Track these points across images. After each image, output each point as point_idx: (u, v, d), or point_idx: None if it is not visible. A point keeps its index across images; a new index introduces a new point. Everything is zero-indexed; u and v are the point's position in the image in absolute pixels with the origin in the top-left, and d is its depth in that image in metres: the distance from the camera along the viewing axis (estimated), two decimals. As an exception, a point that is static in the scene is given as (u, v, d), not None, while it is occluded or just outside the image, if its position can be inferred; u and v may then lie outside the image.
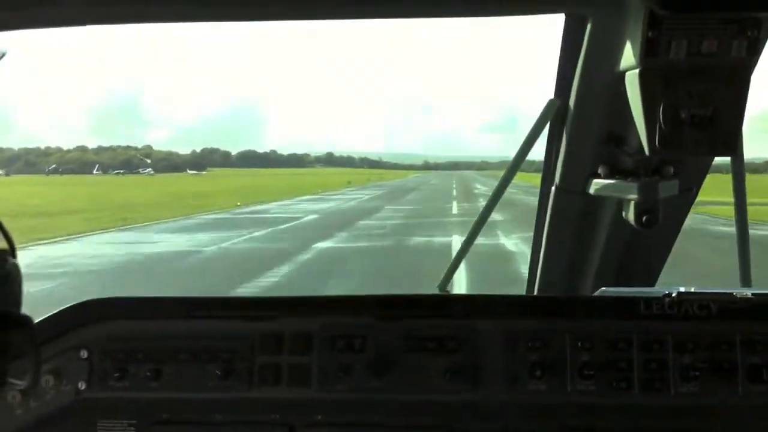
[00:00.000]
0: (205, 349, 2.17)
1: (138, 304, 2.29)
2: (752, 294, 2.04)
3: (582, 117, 2.24)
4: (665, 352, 2.05)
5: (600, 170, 2.34)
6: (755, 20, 1.61)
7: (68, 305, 2.25)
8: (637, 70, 1.72)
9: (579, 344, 2.06)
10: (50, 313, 2.24)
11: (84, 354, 2.20)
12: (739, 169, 2.36)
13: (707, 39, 1.63)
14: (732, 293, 2.04)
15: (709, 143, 1.70)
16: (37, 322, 2.19)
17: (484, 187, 65.56)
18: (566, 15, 2.12)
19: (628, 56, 1.78)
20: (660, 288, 2.13)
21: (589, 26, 1.97)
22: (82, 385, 2.19)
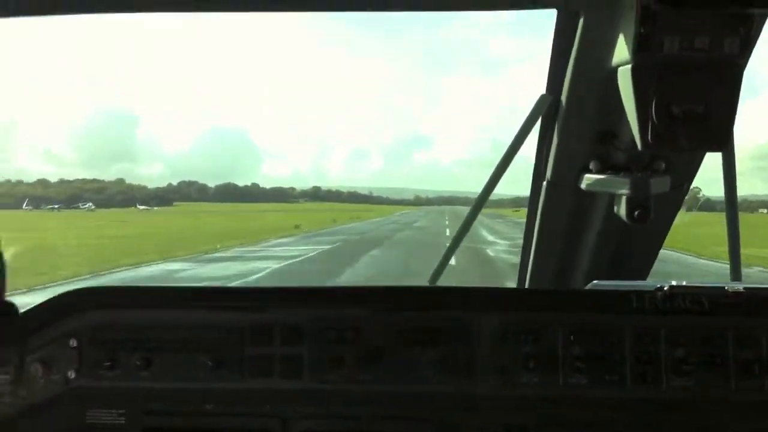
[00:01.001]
0: (196, 340, 2.17)
1: (128, 293, 2.28)
2: (744, 288, 2.05)
3: (574, 112, 2.24)
4: (657, 346, 2.05)
5: (592, 166, 2.35)
6: (747, 17, 1.62)
7: (58, 294, 2.24)
8: (629, 66, 1.72)
9: (571, 337, 2.07)
10: (39, 302, 2.23)
11: (73, 343, 2.20)
12: (730, 165, 2.37)
13: (700, 35, 1.63)
14: (724, 287, 2.04)
15: (701, 139, 1.70)
16: (26, 311, 2.19)
17: (500, 243, 35.15)
18: (558, 10, 2.12)
19: (621, 52, 1.79)
20: (652, 281, 2.13)
21: (581, 21, 1.97)
22: (71, 374, 2.19)
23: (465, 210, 2.80)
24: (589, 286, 2.28)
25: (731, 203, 2.45)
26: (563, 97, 2.23)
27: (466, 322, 2.11)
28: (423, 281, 2.65)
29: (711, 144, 1.74)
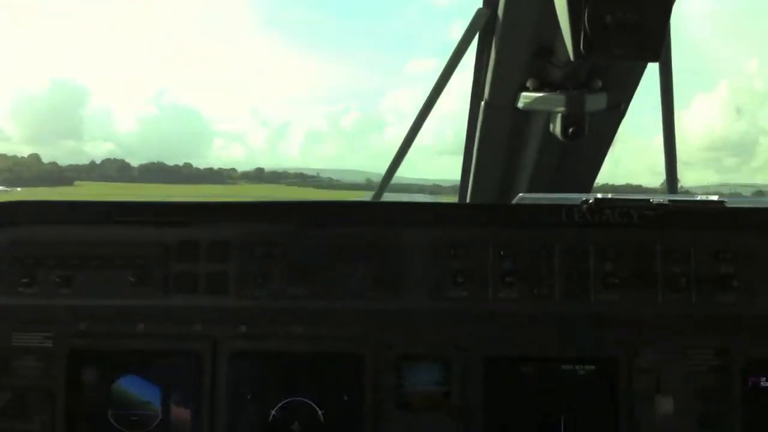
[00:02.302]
0: (118, 256, 2.10)
1: (47, 207, 2.18)
2: (669, 200, 2.05)
3: (511, 27, 2.19)
4: (586, 260, 2.05)
5: (529, 84, 2.31)
6: None
7: None
8: None
9: (501, 252, 2.05)
10: None
11: None
12: (667, 77, 2.37)
13: None
14: (649, 200, 2.04)
15: (634, 47, 1.67)
16: None
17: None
18: None
19: None
20: (576, 195, 2.12)
21: None
22: None
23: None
24: (516, 200, 2.27)
25: (667, 117, 2.45)
26: (500, 11, 2.17)
27: (396, 238, 2.08)
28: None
29: (644, 53, 1.71)
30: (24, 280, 2.09)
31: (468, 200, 2.78)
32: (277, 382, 2.10)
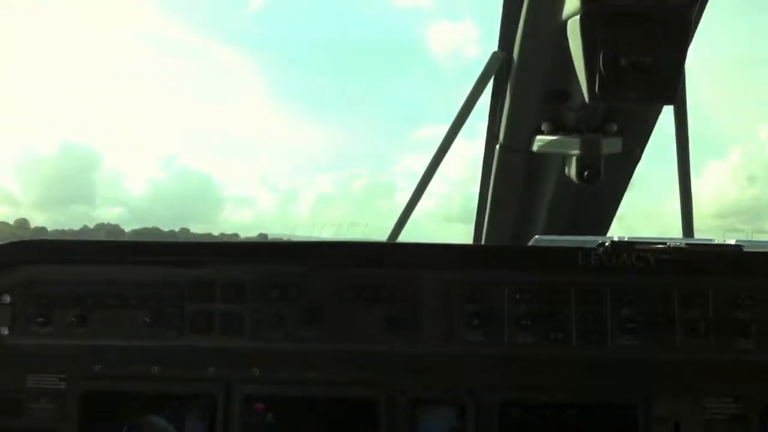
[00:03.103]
0: (133, 296, 2.10)
1: (63, 246, 2.20)
2: (686, 244, 2.03)
3: (526, 70, 2.20)
4: (603, 304, 2.03)
5: (544, 127, 2.32)
6: None
7: None
8: (578, 16, 1.69)
9: (517, 295, 2.04)
10: None
11: (6, 299, 2.12)
12: (682, 121, 2.37)
13: None
14: (666, 243, 2.02)
15: (648, 90, 1.68)
16: None
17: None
18: None
19: (571, 2, 1.75)
20: (593, 238, 2.11)
21: None
22: (4, 331, 2.11)
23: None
24: (531, 242, 2.25)
25: (683, 160, 2.44)
26: (515, 55, 2.19)
27: (410, 280, 2.07)
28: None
29: (658, 96, 1.72)
30: (39, 320, 2.09)
31: (483, 242, 2.77)
32: (290, 426, 2.07)
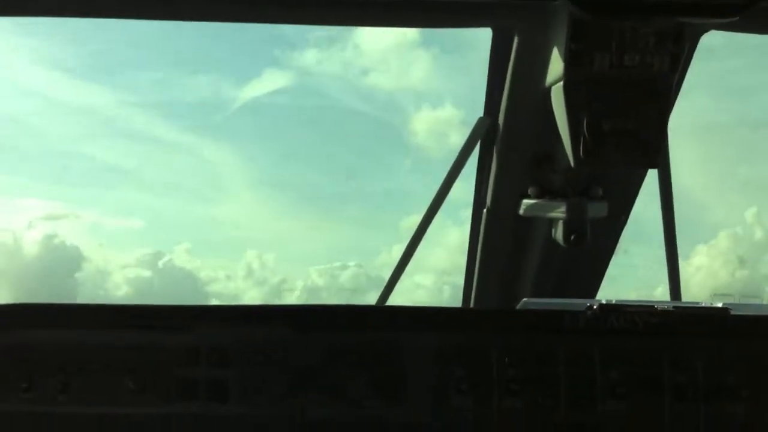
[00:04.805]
0: (118, 361, 2.06)
1: (47, 310, 2.16)
2: (674, 307, 2.03)
3: (511, 135, 2.24)
4: (592, 368, 2.01)
5: (530, 191, 2.34)
6: (677, 34, 1.64)
7: None
8: (561, 83, 1.72)
9: (506, 359, 2.02)
10: None
11: None
12: (666, 183, 2.40)
13: (629, 52, 1.65)
14: (653, 306, 2.02)
15: (632, 155, 1.71)
16: None
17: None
18: (492, 29, 2.13)
19: (554, 69, 1.79)
20: (581, 300, 2.10)
21: (515, 40, 1.98)
22: None
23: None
24: (520, 305, 2.25)
25: (668, 223, 2.46)
26: (500, 120, 2.23)
27: (396, 343, 2.05)
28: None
29: (642, 160, 1.75)
30: (23, 386, 2.05)
31: (472, 305, 2.76)
32: None
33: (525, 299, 2.29)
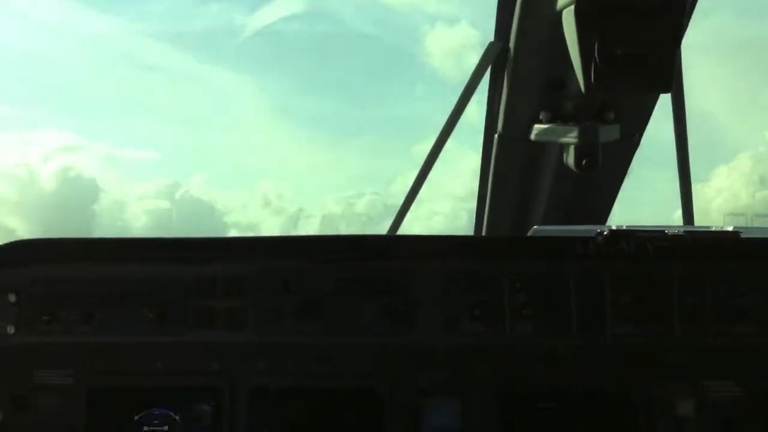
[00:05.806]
0: (137, 293, 2.11)
1: (67, 245, 2.21)
2: (684, 232, 2.04)
3: (523, 60, 2.21)
4: (602, 292, 2.04)
5: (542, 116, 2.32)
6: None
7: None
8: (572, 6, 1.69)
9: (516, 285, 2.05)
10: None
11: (12, 298, 2.12)
12: (680, 109, 2.37)
13: None
14: (663, 231, 2.03)
15: (644, 79, 1.69)
16: None
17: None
18: None
19: None
20: (592, 226, 2.11)
21: None
22: (10, 329, 2.12)
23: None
24: (531, 232, 2.26)
25: (682, 148, 2.44)
26: (511, 45, 2.19)
27: (409, 272, 2.08)
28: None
29: (654, 85, 1.73)
30: (45, 318, 2.11)
31: (484, 233, 2.77)
32: (295, 418, 2.09)
33: (536, 227, 2.30)
